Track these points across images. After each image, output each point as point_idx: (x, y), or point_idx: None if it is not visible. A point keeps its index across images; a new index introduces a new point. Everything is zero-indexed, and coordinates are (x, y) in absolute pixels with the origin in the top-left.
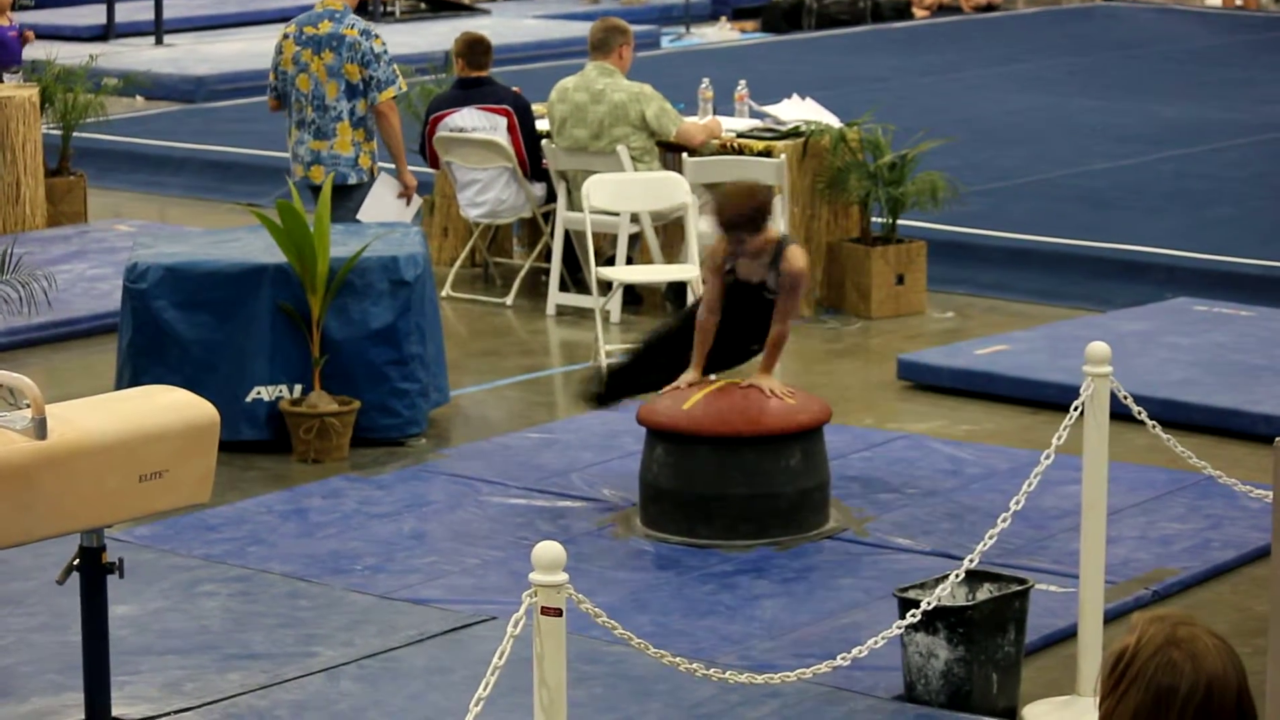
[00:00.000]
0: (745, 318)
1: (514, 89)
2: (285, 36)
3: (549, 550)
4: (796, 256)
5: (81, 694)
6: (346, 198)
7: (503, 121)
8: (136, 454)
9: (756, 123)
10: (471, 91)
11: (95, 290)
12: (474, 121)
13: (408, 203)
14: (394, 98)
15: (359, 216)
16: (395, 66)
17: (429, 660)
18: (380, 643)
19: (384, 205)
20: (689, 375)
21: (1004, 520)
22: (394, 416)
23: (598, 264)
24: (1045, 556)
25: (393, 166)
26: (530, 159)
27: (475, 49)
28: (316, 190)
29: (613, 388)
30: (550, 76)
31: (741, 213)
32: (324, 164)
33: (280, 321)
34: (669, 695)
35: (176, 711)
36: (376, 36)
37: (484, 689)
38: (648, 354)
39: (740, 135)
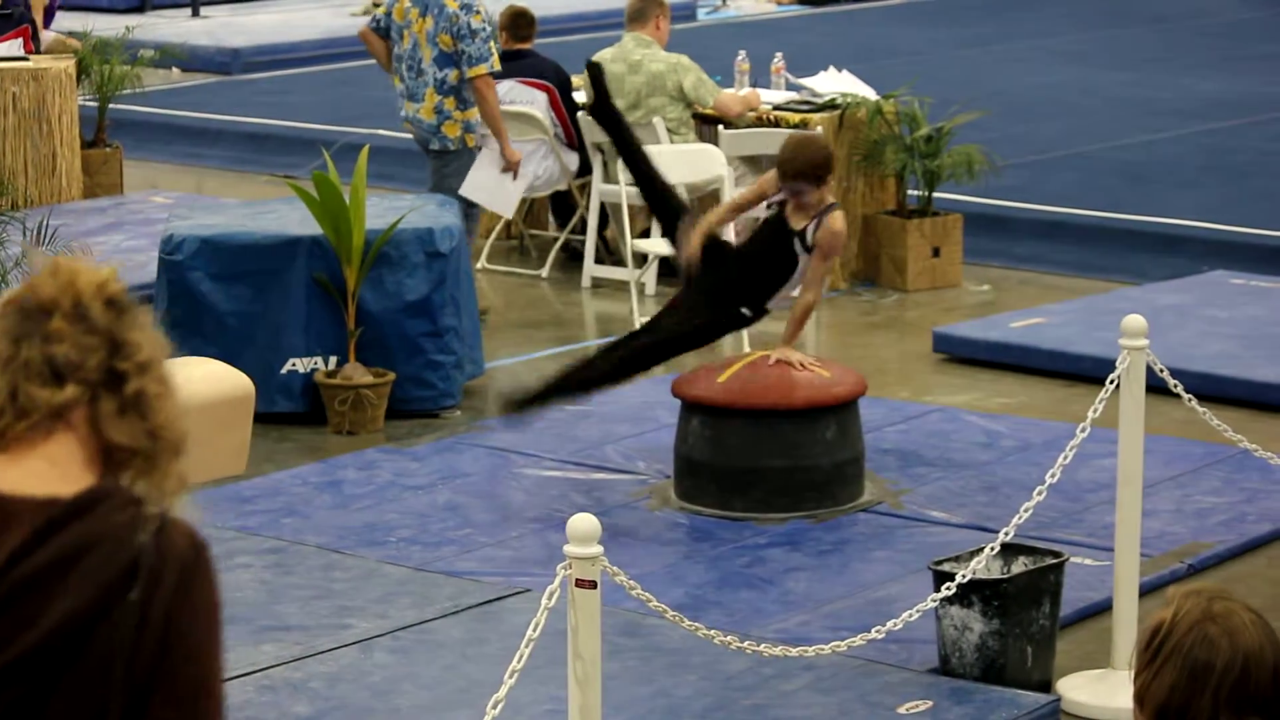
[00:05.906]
0: (766, 255)
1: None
2: None
3: (584, 522)
4: (838, 220)
5: None
6: (437, 163)
7: (541, 97)
8: None
9: (793, 95)
10: (513, 64)
11: (131, 262)
12: (512, 94)
13: (514, 178)
14: (489, 74)
15: (461, 191)
16: (492, 44)
17: (463, 632)
18: (415, 614)
19: (487, 181)
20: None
21: (1039, 493)
22: (429, 388)
23: (633, 236)
24: (1080, 529)
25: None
26: (575, 129)
27: (519, 21)
28: None
29: (533, 400)
30: (587, 48)
31: (811, 164)
32: (412, 124)
33: (316, 293)
34: (703, 668)
35: None
36: (477, 12)
37: (518, 661)
38: (571, 377)
39: (777, 108)
